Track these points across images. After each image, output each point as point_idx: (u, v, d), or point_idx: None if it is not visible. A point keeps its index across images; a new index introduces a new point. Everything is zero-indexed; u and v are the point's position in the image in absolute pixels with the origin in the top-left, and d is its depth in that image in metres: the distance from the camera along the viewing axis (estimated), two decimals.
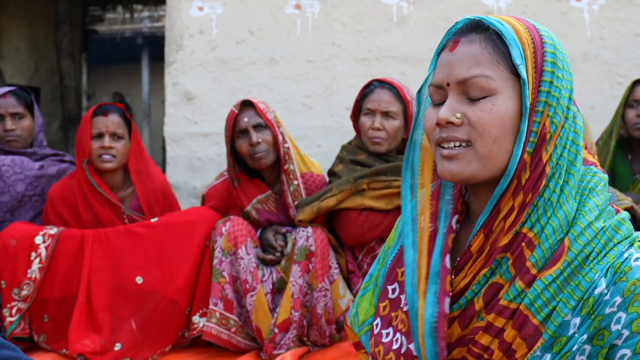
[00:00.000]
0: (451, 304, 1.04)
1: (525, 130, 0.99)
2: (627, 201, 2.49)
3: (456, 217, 1.10)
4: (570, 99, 1.04)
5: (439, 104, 1.05)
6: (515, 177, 1.00)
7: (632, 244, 1.01)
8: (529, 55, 1.00)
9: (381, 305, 1.17)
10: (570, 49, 3.73)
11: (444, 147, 1.03)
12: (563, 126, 1.02)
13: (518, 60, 0.99)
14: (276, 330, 2.56)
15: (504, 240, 1.01)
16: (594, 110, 3.72)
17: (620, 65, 3.75)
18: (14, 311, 2.65)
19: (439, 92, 1.05)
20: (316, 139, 3.79)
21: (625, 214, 1.05)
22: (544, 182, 1.00)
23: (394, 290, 1.16)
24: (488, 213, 1.03)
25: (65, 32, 6.75)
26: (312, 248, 2.63)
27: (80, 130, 2.79)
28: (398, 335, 1.10)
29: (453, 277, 1.06)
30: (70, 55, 6.85)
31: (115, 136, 2.78)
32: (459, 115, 1.01)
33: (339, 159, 2.85)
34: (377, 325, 1.15)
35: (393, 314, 1.14)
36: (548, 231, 1.00)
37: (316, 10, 3.80)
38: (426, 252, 1.07)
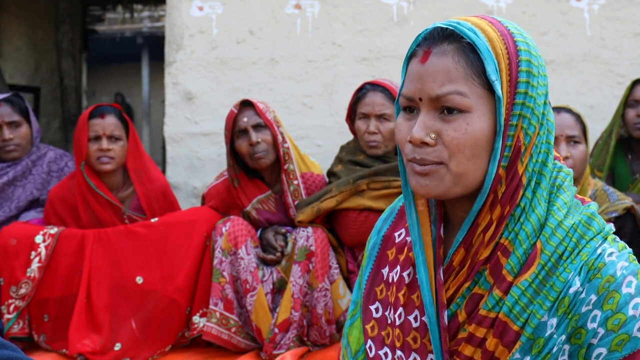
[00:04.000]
0: None
1: (499, 147, 0.97)
2: (628, 201, 2.49)
3: (442, 225, 1.08)
4: (545, 104, 1.01)
5: (410, 112, 1.02)
6: (492, 191, 0.98)
7: (606, 239, 1.00)
8: (504, 68, 0.97)
9: (368, 327, 1.15)
10: (570, 49, 3.74)
11: (417, 164, 0.99)
12: (538, 134, 0.99)
13: (493, 76, 0.95)
14: (276, 330, 2.56)
15: (485, 253, 1.00)
16: (593, 110, 3.72)
17: (620, 65, 3.75)
18: (11, 308, 2.66)
19: (409, 103, 1.02)
20: (316, 139, 3.79)
21: (594, 207, 1.03)
22: (521, 193, 0.99)
23: (377, 309, 1.15)
24: (467, 229, 1.01)
25: (66, 31, 6.74)
26: (312, 248, 2.63)
27: (77, 133, 2.78)
28: (399, 352, 1.09)
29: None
30: (71, 55, 6.84)
31: (112, 138, 2.78)
32: (433, 135, 0.97)
33: (338, 160, 2.85)
34: (370, 348, 1.13)
35: (383, 333, 1.13)
36: (522, 237, 0.98)
37: (316, 10, 3.80)
38: (432, 266, 1.05)
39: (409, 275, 1.10)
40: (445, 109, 0.97)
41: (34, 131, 3.09)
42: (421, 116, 0.99)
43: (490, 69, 0.95)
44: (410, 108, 1.02)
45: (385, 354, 1.10)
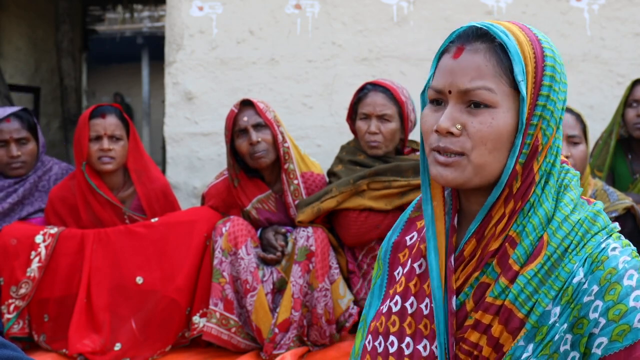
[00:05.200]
0: None
1: (519, 144, 1.02)
2: (628, 201, 2.48)
3: (456, 216, 1.13)
4: (563, 109, 1.06)
5: (437, 104, 1.07)
6: (507, 185, 1.03)
7: (610, 235, 1.05)
8: (530, 70, 1.02)
9: (372, 323, 1.18)
10: (570, 49, 3.73)
11: (439, 154, 1.05)
12: (554, 136, 1.05)
13: (520, 77, 1.01)
14: (276, 330, 2.56)
15: (494, 245, 1.04)
16: (593, 110, 3.72)
17: (620, 65, 3.75)
18: (11, 308, 2.66)
19: (438, 96, 1.07)
20: (316, 138, 3.79)
21: (600, 205, 1.08)
22: (533, 189, 1.04)
23: (386, 307, 1.18)
24: (480, 220, 1.06)
25: (66, 31, 6.74)
26: (313, 248, 2.63)
27: (78, 133, 2.78)
28: (392, 338, 1.13)
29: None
30: (71, 55, 6.84)
31: (113, 138, 2.77)
32: (459, 126, 1.02)
33: (339, 160, 2.85)
34: (369, 342, 1.16)
35: (378, 324, 1.16)
36: (529, 229, 1.03)
37: (316, 10, 3.80)
38: (444, 253, 1.10)
39: (419, 266, 1.15)
40: (473, 103, 1.02)
41: (40, 146, 3.04)
42: (449, 108, 1.04)
43: (518, 70, 1.01)
44: (438, 101, 1.07)
45: (392, 343, 1.13)
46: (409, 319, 1.12)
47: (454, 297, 1.06)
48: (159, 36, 11.07)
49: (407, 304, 1.13)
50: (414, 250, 1.17)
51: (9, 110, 2.99)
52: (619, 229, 1.07)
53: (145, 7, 10.02)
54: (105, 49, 12.39)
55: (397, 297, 1.15)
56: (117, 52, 12.95)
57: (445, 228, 1.10)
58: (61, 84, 6.88)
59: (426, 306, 1.10)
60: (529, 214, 1.04)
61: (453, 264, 1.08)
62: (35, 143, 3.01)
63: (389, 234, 1.28)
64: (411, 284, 1.14)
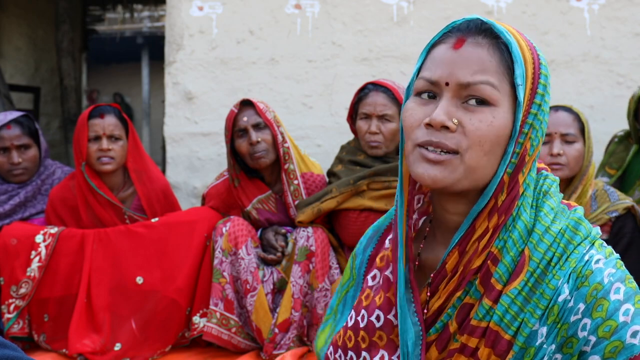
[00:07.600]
0: (428, 327, 1.03)
1: (511, 151, 0.97)
2: (628, 201, 2.48)
3: (415, 217, 1.08)
4: (545, 121, 1.02)
5: (427, 97, 0.99)
6: (493, 197, 0.98)
7: (593, 244, 0.99)
8: (529, 76, 0.97)
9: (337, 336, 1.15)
10: (570, 49, 3.74)
11: (428, 150, 0.96)
12: (538, 149, 1.01)
13: (519, 80, 0.95)
14: (276, 330, 2.56)
15: (477, 262, 0.99)
16: (594, 110, 3.72)
17: (620, 65, 3.75)
18: (11, 308, 2.66)
19: (430, 87, 0.99)
20: (316, 138, 3.79)
21: (581, 211, 1.03)
22: (516, 203, 0.99)
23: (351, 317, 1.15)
24: (464, 231, 0.99)
25: (66, 31, 6.74)
26: (313, 248, 2.63)
27: (77, 133, 2.78)
28: (350, 353, 1.10)
29: (428, 294, 1.04)
30: (71, 54, 6.84)
31: (112, 138, 2.77)
32: (455, 121, 0.95)
33: (339, 160, 2.85)
34: (330, 353, 1.14)
35: (337, 337, 1.13)
36: (509, 244, 0.98)
37: (316, 9, 3.80)
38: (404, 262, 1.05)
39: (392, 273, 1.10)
40: (473, 99, 0.96)
41: (42, 151, 3.03)
42: (444, 101, 0.96)
43: (519, 73, 0.96)
44: (429, 94, 0.99)
45: (351, 358, 1.10)
46: (361, 333, 1.08)
47: (412, 305, 1.02)
48: (159, 36, 11.07)
49: (359, 318, 1.09)
50: (383, 265, 1.13)
51: (10, 116, 2.97)
52: (600, 234, 1.02)
53: (145, 7, 10.02)
54: (105, 49, 12.39)
55: (353, 312, 1.12)
56: (117, 52, 12.95)
57: (399, 235, 1.05)
58: (61, 84, 6.88)
59: (377, 318, 1.07)
60: (510, 228, 0.98)
61: (411, 272, 1.03)
62: (36, 148, 2.99)
63: (363, 242, 1.21)
64: (377, 298, 1.09)
